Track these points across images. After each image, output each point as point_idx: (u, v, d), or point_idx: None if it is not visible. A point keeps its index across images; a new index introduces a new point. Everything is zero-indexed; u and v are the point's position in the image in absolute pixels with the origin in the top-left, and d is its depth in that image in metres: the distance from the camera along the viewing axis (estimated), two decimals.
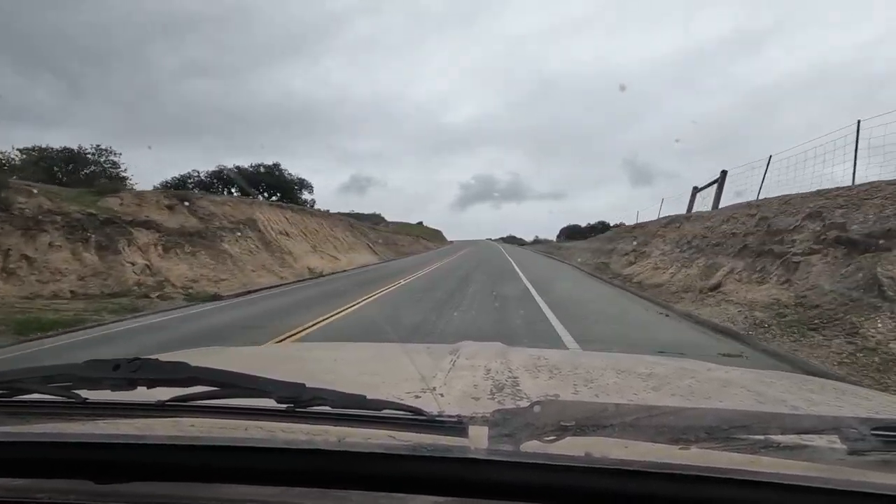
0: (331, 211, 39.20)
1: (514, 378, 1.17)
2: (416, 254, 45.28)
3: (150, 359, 0.83)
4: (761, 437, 0.69)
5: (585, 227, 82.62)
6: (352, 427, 0.72)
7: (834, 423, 0.75)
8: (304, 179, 41.22)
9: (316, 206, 39.46)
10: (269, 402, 0.75)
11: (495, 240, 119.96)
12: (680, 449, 0.65)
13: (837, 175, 10.59)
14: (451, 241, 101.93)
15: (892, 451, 0.66)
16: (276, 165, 39.32)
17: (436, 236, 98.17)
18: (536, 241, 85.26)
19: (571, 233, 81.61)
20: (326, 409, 0.74)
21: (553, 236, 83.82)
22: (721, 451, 0.66)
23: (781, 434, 0.70)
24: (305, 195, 41.80)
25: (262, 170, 38.76)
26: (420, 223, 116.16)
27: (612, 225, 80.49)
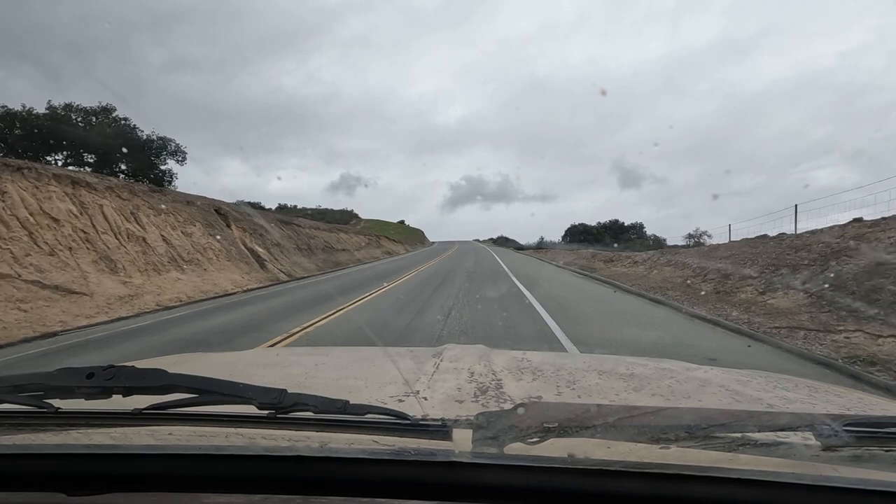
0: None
1: (498, 380, 1.17)
2: (354, 265, 27.98)
3: (125, 366, 0.80)
4: (739, 435, 0.70)
5: (597, 227, 66.56)
6: (334, 432, 0.71)
7: (808, 420, 0.76)
8: (169, 140, 24.33)
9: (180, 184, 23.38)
10: (249, 409, 0.74)
11: (484, 241, 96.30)
12: (660, 448, 0.66)
13: None
14: (433, 243, 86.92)
15: (863, 447, 0.70)
16: (107, 111, 22.78)
17: (412, 236, 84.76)
18: (542, 245, 60.50)
19: (581, 233, 64.87)
20: (308, 414, 0.73)
21: (546, 237, 70.07)
22: (700, 449, 0.67)
23: (758, 432, 0.71)
24: (173, 166, 24.87)
25: (78, 121, 22.00)
26: (402, 221, 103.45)
27: (626, 225, 64.66)
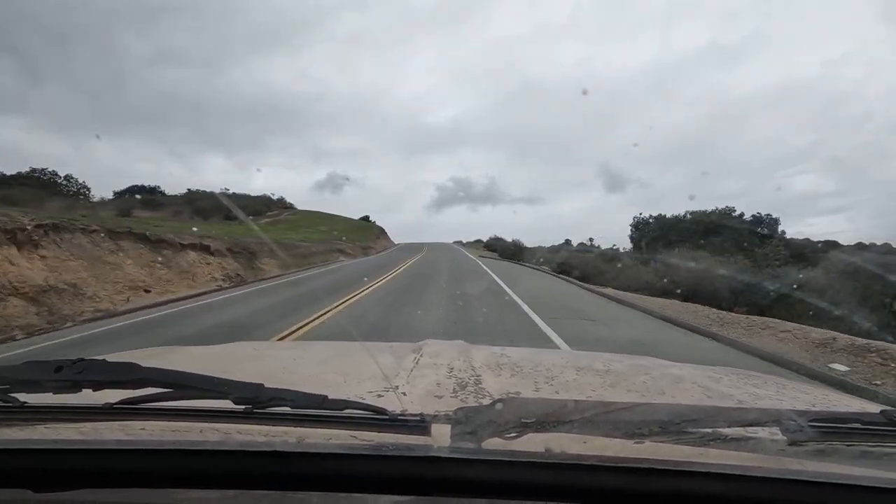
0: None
1: (477, 376, 1.17)
2: None
3: (96, 360, 0.78)
4: (710, 431, 0.71)
5: (712, 219, 29.93)
6: (312, 428, 0.71)
7: (775, 415, 0.78)
8: None
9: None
10: (225, 404, 0.73)
11: (469, 244, 60.97)
12: (635, 443, 0.68)
13: None
14: (395, 245, 56.25)
15: (826, 442, 0.72)
16: None
17: (362, 236, 46.73)
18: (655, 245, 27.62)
19: (663, 229, 31.38)
20: (286, 409, 0.72)
21: (541, 240, 41.01)
22: (673, 444, 0.69)
23: (728, 427, 0.73)
24: None
25: None
26: (366, 217, 67.25)
27: (746, 218, 29.51)
